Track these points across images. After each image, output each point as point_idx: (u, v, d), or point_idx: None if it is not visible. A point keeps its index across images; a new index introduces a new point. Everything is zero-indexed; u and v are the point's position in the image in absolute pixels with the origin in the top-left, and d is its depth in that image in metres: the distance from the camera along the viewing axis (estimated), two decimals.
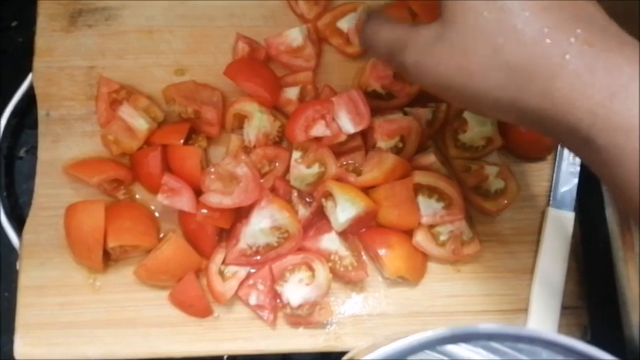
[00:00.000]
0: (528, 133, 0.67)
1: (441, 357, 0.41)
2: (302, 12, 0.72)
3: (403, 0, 0.70)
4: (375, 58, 0.67)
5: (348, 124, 0.64)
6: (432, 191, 0.65)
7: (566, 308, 0.65)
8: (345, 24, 0.70)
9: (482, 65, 0.40)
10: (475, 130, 0.67)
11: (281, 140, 0.69)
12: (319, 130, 0.64)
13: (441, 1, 0.43)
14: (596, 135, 0.37)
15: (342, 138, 0.65)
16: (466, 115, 0.68)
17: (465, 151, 0.68)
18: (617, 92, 0.37)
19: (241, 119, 0.67)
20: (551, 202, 0.68)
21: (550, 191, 0.69)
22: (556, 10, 0.39)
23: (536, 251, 0.67)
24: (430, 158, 0.66)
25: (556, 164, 0.69)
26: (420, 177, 0.64)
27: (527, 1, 0.39)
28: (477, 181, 0.67)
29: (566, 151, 0.69)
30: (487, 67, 0.40)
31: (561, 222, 0.67)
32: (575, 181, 0.68)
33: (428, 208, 0.64)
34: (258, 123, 0.66)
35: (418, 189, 0.65)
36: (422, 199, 0.64)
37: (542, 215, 0.68)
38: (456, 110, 0.68)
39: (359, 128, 0.64)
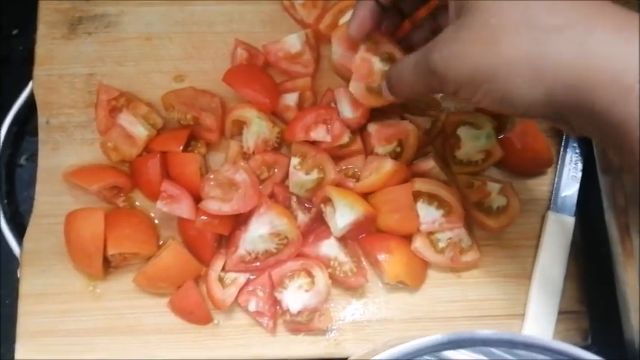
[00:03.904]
0: (528, 150, 0.68)
1: None
2: (301, 17, 0.72)
3: None
4: (406, 95, 0.61)
5: (347, 109, 0.65)
6: (431, 198, 0.64)
7: (566, 312, 0.65)
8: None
9: (508, 36, 0.40)
10: (468, 145, 0.67)
11: (280, 146, 0.69)
12: (320, 133, 0.64)
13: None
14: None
15: (345, 140, 0.65)
16: (459, 132, 0.68)
17: (465, 167, 0.68)
18: None
19: (240, 125, 0.67)
20: (551, 207, 0.68)
21: (551, 196, 0.69)
22: None
23: (536, 256, 0.67)
24: (429, 163, 0.65)
25: (558, 169, 0.69)
26: (420, 184, 0.64)
27: None
28: (479, 197, 0.67)
29: (568, 157, 0.69)
30: (512, 37, 0.40)
31: (561, 226, 0.67)
32: (577, 186, 0.68)
33: (427, 215, 0.64)
34: (257, 129, 0.66)
35: (418, 196, 0.64)
36: (421, 206, 0.64)
37: (543, 219, 0.68)
38: (451, 127, 0.68)
39: (357, 113, 0.64)
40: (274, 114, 0.68)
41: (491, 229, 0.66)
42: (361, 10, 0.55)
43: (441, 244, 0.65)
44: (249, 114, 0.66)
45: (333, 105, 0.66)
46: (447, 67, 0.44)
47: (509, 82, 0.41)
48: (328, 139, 0.64)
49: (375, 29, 0.57)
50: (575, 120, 0.41)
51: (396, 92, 0.54)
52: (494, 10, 0.41)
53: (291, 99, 0.68)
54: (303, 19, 0.71)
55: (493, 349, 0.41)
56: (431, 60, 0.46)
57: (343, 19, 0.70)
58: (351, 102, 0.64)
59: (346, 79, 0.68)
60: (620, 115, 0.37)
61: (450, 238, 0.65)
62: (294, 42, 0.69)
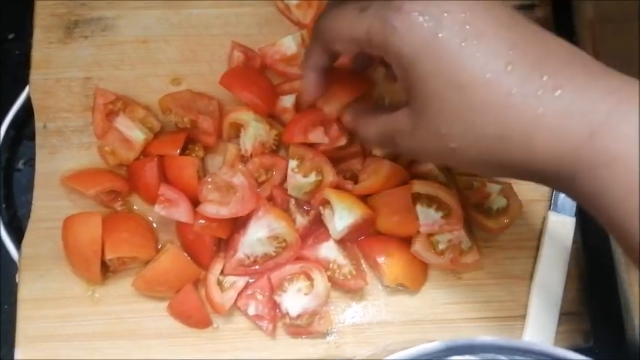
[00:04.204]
0: None
1: None
2: (297, 18, 0.71)
3: None
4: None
5: None
6: (430, 200, 0.64)
7: (567, 314, 0.65)
8: None
9: (460, 143, 0.41)
10: None
11: (278, 149, 0.68)
12: (318, 136, 0.64)
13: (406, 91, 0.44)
14: (578, 173, 0.38)
15: (342, 142, 0.64)
16: None
17: None
18: (595, 131, 0.37)
19: (238, 128, 0.67)
20: (551, 207, 0.67)
21: (551, 196, 0.68)
22: (518, 64, 0.38)
23: (536, 257, 0.66)
24: (428, 165, 0.65)
25: None
26: (418, 186, 0.64)
27: (486, 66, 0.38)
28: (478, 198, 0.66)
29: None
30: (465, 144, 0.41)
31: (562, 227, 0.66)
32: None
33: (427, 217, 0.64)
34: (255, 132, 0.65)
35: (417, 198, 0.64)
36: (421, 209, 0.64)
37: (543, 220, 0.68)
38: None
39: None
40: (272, 116, 0.68)
41: (492, 230, 0.66)
42: (311, 76, 0.55)
43: (441, 246, 0.65)
44: (247, 116, 0.66)
45: None
46: (414, 157, 0.51)
47: (472, 171, 0.48)
48: (326, 141, 0.64)
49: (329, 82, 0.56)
50: None
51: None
52: (440, 119, 0.41)
53: (288, 101, 0.68)
54: (300, 21, 0.71)
55: (496, 355, 0.41)
56: (396, 148, 0.48)
57: None
58: None
59: None
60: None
61: (449, 240, 0.65)
62: (289, 44, 0.68)
